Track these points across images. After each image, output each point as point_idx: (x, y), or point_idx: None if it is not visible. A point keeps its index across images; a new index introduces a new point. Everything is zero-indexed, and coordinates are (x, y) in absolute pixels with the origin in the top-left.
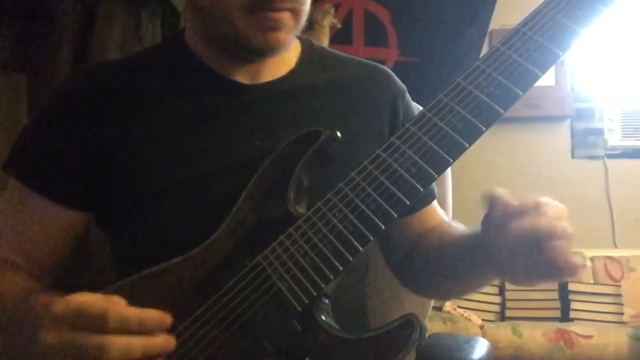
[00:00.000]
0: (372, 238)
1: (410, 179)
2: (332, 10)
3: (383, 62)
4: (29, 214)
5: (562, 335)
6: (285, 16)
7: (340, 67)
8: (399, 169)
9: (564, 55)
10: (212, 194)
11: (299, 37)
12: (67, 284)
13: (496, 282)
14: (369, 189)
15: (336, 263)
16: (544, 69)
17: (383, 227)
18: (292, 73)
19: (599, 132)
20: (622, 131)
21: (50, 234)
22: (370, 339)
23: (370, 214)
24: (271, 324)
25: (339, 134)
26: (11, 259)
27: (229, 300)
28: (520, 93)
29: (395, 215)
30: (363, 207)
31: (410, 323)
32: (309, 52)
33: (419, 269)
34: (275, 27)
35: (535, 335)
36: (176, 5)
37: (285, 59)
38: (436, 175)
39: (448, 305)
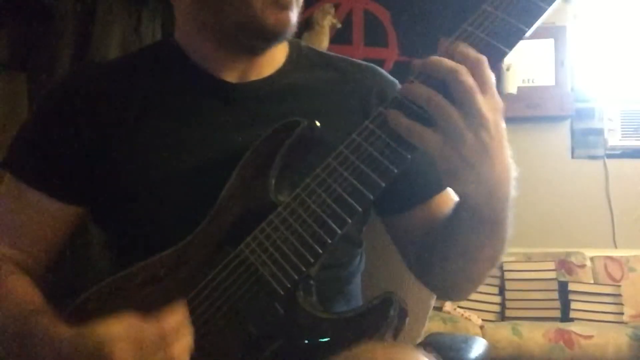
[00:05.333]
0: (349, 220)
1: (384, 160)
2: (332, 10)
3: (383, 62)
4: (24, 208)
5: (562, 335)
6: None
7: (327, 66)
8: (374, 151)
9: (530, 31)
10: (198, 186)
11: (287, 39)
12: (68, 285)
13: (496, 282)
14: (345, 173)
15: (316, 246)
16: (511, 46)
17: (360, 209)
18: (279, 72)
19: (599, 132)
20: (622, 131)
21: (46, 228)
22: (350, 318)
23: (347, 197)
24: (255, 309)
25: (317, 123)
26: (7, 251)
27: (213, 288)
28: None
29: (371, 197)
30: (340, 190)
31: (389, 300)
32: (297, 53)
33: (429, 261)
34: (287, 5)
35: (535, 335)
36: None
37: (273, 59)
38: (409, 156)
39: (448, 305)
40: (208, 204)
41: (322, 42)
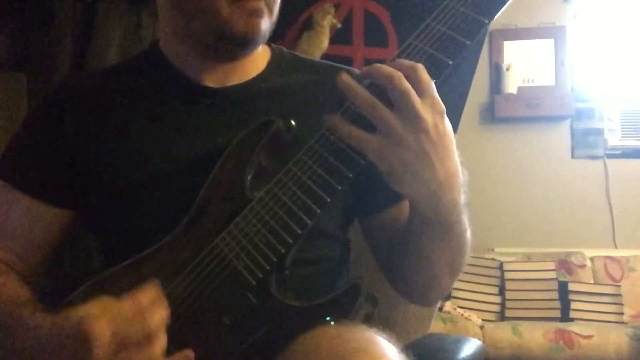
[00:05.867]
0: (318, 211)
1: (351, 152)
2: (332, 10)
3: (383, 62)
4: (16, 212)
5: (562, 335)
6: (262, 5)
7: (307, 70)
8: (341, 144)
9: (490, 22)
10: (181, 188)
11: (268, 44)
12: (68, 287)
13: (496, 282)
14: (314, 166)
15: (287, 237)
16: (472, 37)
17: (328, 199)
18: (260, 76)
19: (599, 132)
20: (622, 131)
21: (37, 232)
22: (320, 305)
23: (316, 188)
24: (228, 300)
25: (293, 122)
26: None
27: (190, 282)
28: (450, 62)
29: (339, 187)
30: (309, 183)
31: (357, 287)
32: (278, 58)
33: (393, 264)
34: (254, 14)
35: (535, 335)
36: None
37: (254, 64)
38: None
39: (448, 305)
40: (188, 202)
41: (322, 42)
